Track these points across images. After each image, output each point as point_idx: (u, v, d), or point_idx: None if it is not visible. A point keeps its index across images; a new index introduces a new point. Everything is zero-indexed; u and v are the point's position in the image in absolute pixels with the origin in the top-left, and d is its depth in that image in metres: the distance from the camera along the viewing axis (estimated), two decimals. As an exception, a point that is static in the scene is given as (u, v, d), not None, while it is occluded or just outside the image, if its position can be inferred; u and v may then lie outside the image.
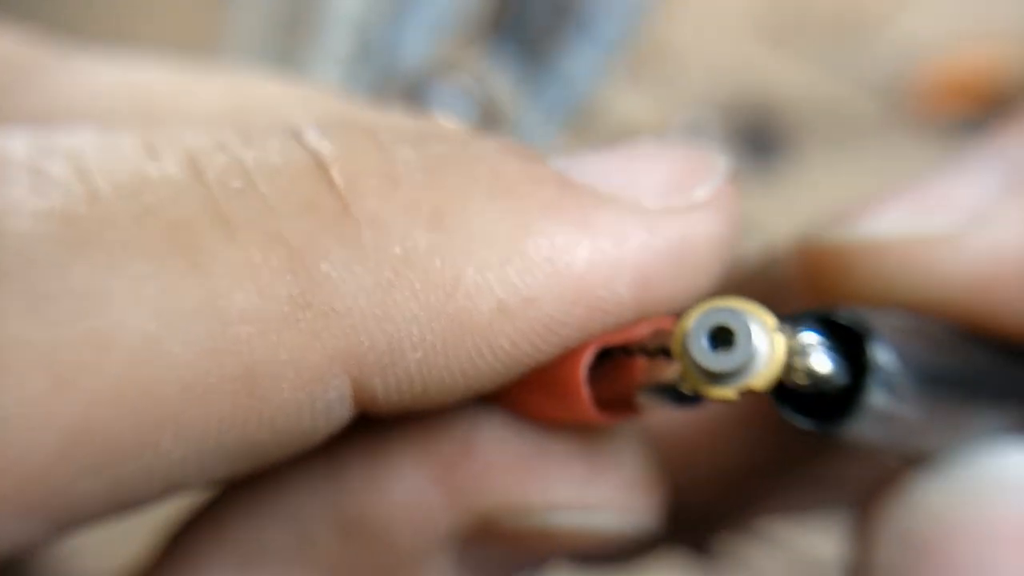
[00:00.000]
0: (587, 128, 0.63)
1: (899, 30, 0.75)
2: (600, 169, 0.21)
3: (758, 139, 0.71)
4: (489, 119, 0.57)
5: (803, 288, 0.25)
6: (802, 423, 0.20)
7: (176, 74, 0.24)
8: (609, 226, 0.20)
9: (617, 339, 0.21)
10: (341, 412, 0.20)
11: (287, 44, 0.61)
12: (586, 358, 0.21)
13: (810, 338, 0.20)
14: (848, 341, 0.20)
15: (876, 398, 0.19)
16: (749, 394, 0.19)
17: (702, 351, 0.19)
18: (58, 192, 0.18)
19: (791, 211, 0.24)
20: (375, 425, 0.22)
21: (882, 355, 0.19)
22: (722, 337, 0.19)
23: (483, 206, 0.20)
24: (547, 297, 0.20)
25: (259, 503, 0.22)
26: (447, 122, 0.24)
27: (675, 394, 0.20)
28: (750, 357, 0.19)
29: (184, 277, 0.18)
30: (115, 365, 0.17)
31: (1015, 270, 0.23)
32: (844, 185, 0.69)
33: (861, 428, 0.20)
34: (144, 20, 0.77)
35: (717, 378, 0.19)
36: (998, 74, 0.73)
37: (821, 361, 0.19)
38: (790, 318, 0.20)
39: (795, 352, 0.19)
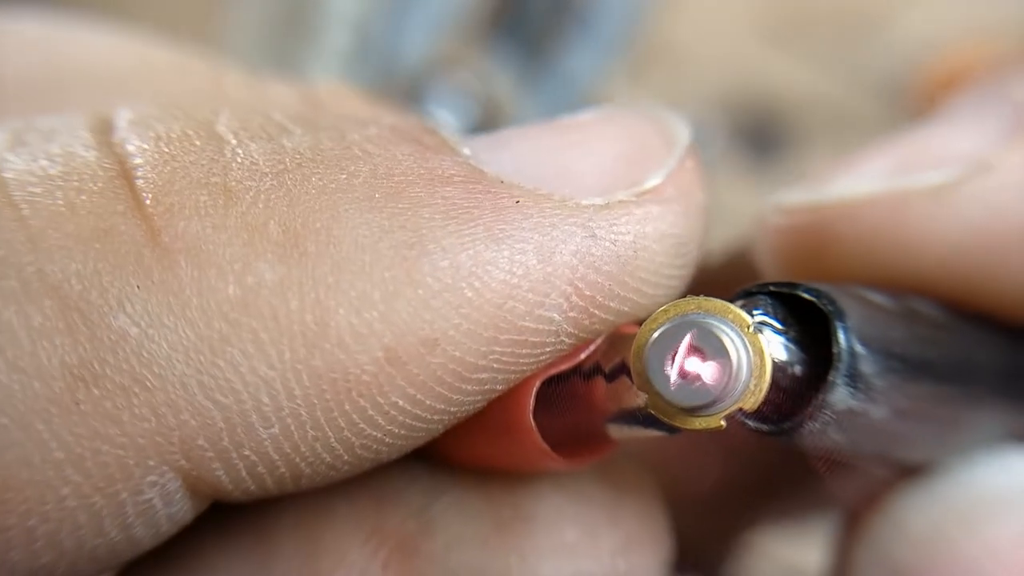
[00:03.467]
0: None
1: (899, 30, 0.75)
2: (527, 153, 0.17)
3: (759, 138, 0.71)
4: (489, 117, 0.57)
5: (776, 265, 0.20)
6: (752, 426, 0.15)
7: None
8: (532, 234, 0.15)
9: (564, 364, 0.16)
10: (180, 509, 0.15)
11: (287, 43, 0.61)
12: (527, 397, 0.16)
13: (760, 318, 0.15)
14: (815, 324, 0.15)
15: (838, 393, 0.15)
16: (739, 415, 0.15)
17: (666, 384, 0.14)
18: None
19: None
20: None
21: (847, 339, 0.15)
22: (695, 352, 0.15)
23: (357, 220, 0.14)
24: (453, 336, 0.15)
25: None
26: (340, 93, 0.19)
27: (650, 420, 0.15)
28: (731, 381, 0.14)
29: None
30: None
31: (1021, 222, 0.18)
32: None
33: (821, 430, 0.15)
34: (144, 18, 0.77)
35: (694, 409, 0.15)
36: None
37: (774, 347, 0.15)
38: (742, 294, 0.16)
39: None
